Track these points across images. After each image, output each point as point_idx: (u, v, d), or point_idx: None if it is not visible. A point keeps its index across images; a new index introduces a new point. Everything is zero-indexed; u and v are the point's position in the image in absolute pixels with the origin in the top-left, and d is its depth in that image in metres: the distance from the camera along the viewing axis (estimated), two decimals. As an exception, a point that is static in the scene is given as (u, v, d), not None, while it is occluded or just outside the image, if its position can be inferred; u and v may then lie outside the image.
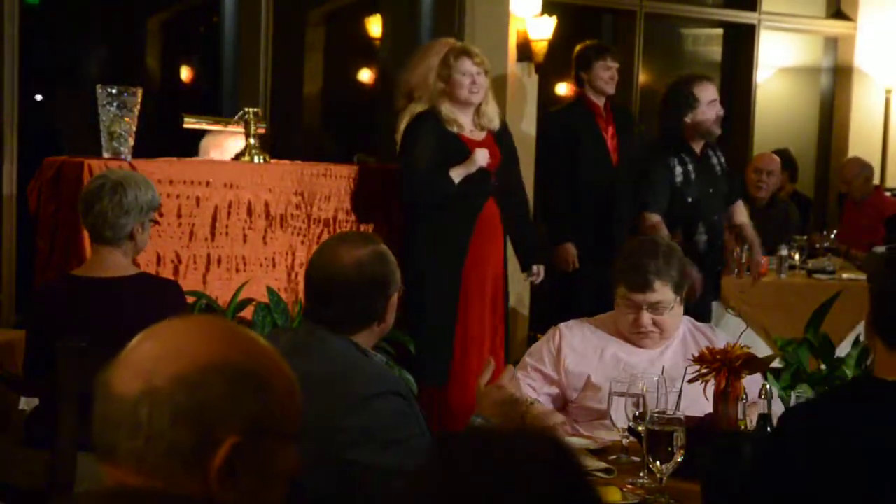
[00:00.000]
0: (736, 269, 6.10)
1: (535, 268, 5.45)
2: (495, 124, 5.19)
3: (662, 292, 3.32)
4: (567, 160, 6.16)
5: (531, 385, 3.37)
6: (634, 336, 3.39)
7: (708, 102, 5.28)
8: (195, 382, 1.39)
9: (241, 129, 5.01)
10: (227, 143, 5.22)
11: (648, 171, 5.29)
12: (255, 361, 1.44)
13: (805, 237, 6.70)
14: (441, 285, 5.04)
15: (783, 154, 7.90)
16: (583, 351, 3.42)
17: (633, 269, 3.34)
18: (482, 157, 5.03)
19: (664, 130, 5.44)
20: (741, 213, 5.70)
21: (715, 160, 5.46)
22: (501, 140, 5.26)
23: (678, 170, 5.27)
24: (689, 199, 5.28)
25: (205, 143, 5.29)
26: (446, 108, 5.08)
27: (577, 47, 6.36)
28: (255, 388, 1.42)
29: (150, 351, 1.42)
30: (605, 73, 6.19)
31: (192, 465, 1.39)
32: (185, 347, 1.42)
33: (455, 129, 5.08)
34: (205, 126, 5.22)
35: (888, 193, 8.12)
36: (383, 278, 2.66)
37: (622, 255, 3.48)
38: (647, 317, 3.33)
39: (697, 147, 5.37)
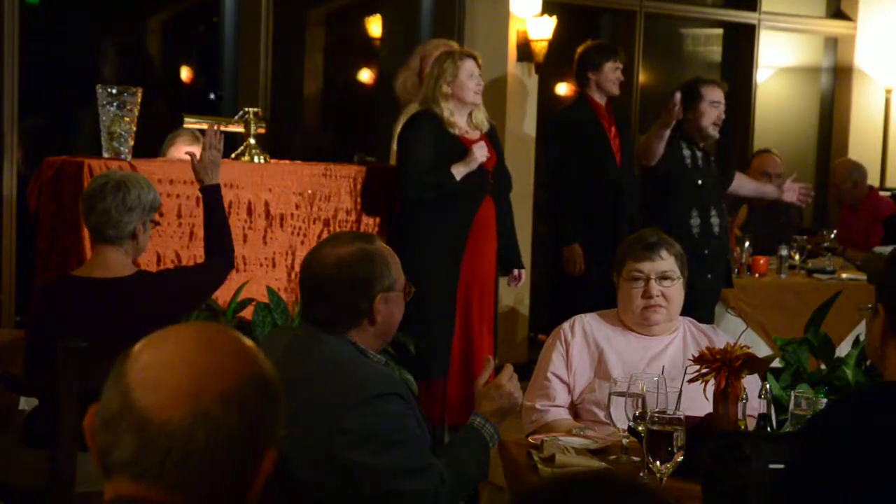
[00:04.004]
0: (736, 269, 6.10)
1: (516, 271, 5.46)
2: (486, 126, 5.24)
3: (669, 262, 3.42)
4: (573, 161, 6.16)
5: (557, 397, 3.37)
6: (644, 314, 3.40)
7: (710, 102, 5.53)
8: (240, 400, 1.38)
9: (241, 129, 5.01)
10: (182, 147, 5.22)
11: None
12: (269, 369, 1.44)
13: (805, 237, 6.70)
14: (441, 282, 5.05)
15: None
16: (585, 350, 3.43)
17: (638, 243, 3.46)
18: (480, 151, 5.05)
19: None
20: (746, 179, 6.07)
21: (711, 159, 5.70)
22: (493, 141, 5.30)
23: (686, 152, 5.46)
24: (700, 182, 5.49)
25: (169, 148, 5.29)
26: (448, 110, 5.10)
27: (581, 47, 6.35)
28: (273, 397, 1.43)
29: (182, 370, 1.38)
30: (614, 74, 6.20)
31: (240, 482, 1.39)
32: (219, 364, 1.40)
33: (456, 132, 5.11)
34: (205, 126, 5.21)
35: (887, 194, 8.10)
36: (365, 277, 2.64)
37: (621, 245, 3.55)
38: (655, 286, 3.39)
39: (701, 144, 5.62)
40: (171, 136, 5.30)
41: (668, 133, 5.35)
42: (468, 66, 5.09)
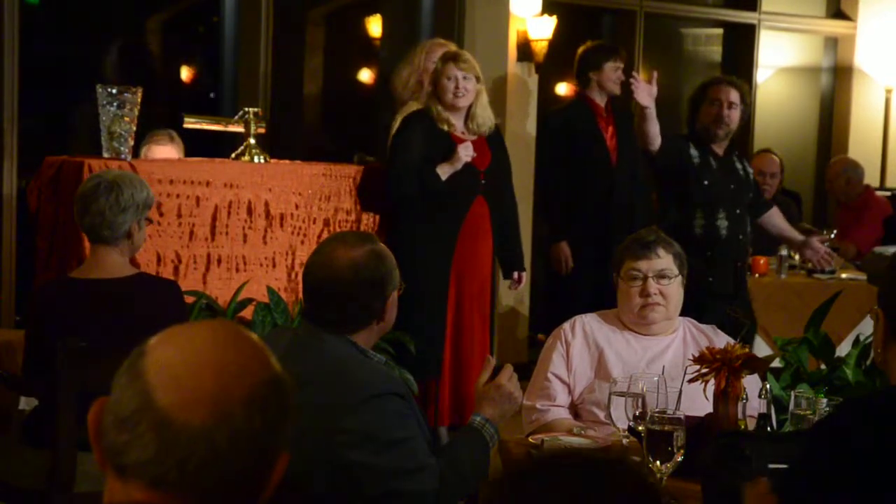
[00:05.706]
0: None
1: (516, 274, 5.46)
2: (486, 129, 5.23)
3: (666, 260, 3.42)
4: (566, 160, 6.16)
5: (558, 398, 3.37)
6: (642, 312, 3.40)
7: (711, 100, 5.35)
8: (261, 402, 1.35)
9: (241, 129, 5.02)
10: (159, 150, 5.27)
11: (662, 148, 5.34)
12: (282, 370, 1.42)
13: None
14: (431, 281, 5.06)
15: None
16: (586, 351, 3.43)
17: (636, 242, 3.47)
18: (465, 151, 5.07)
19: (688, 124, 5.52)
20: (780, 219, 5.79)
21: (739, 165, 5.50)
22: (494, 145, 5.30)
23: (693, 151, 5.32)
24: (706, 182, 5.32)
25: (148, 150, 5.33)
26: (437, 109, 5.14)
27: (582, 47, 6.36)
28: (288, 399, 1.40)
29: (204, 370, 1.35)
30: (615, 74, 6.20)
31: (256, 485, 1.37)
32: (239, 364, 1.36)
33: (446, 128, 5.13)
34: (205, 126, 5.23)
35: (887, 194, 8.09)
36: (380, 278, 2.65)
37: (620, 245, 3.55)
38: (653, 284, 3.39)
39: (719, 148, 5.41)
40: (147, 137, 5.31)
41: (649, 112, 5.20)
42: (446, 68, 5.13)
